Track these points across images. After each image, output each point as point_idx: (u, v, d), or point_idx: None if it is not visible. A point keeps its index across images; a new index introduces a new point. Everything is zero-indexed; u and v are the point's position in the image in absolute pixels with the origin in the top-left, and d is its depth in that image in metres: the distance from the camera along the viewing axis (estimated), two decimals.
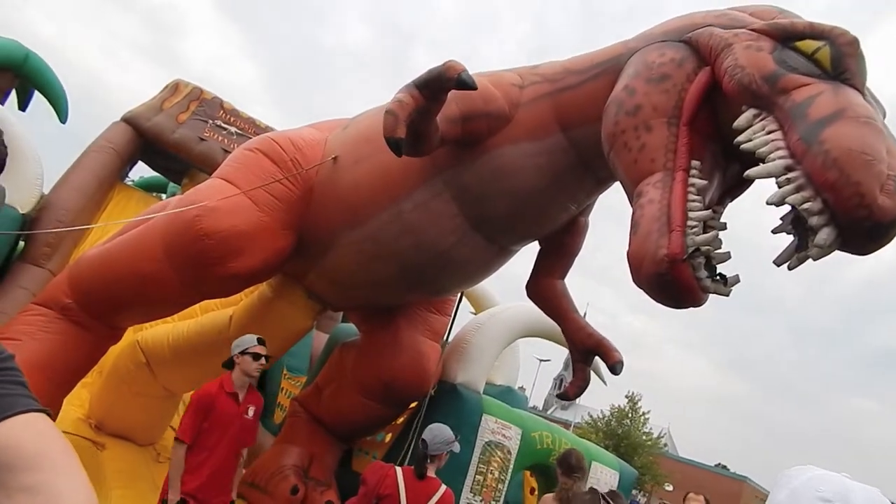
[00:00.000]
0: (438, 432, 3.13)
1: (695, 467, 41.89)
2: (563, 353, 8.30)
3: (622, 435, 30.46)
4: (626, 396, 32.08)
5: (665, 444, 39.32)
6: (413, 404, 4.77)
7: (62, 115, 6.90)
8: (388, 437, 5.20)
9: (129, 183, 8.05)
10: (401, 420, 5.02)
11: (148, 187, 9.10)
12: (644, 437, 31.25)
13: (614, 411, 31.97)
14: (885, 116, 2.10)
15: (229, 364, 3.44)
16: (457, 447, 3.18)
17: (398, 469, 3.05)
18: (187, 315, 4.53)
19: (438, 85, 2.45)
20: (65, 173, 5.98)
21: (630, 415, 31.31)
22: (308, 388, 5.10)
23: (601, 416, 32.70)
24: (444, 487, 3.10)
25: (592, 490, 3.75)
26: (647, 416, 31.84)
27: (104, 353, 3.84)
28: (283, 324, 4.22)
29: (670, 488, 32.63)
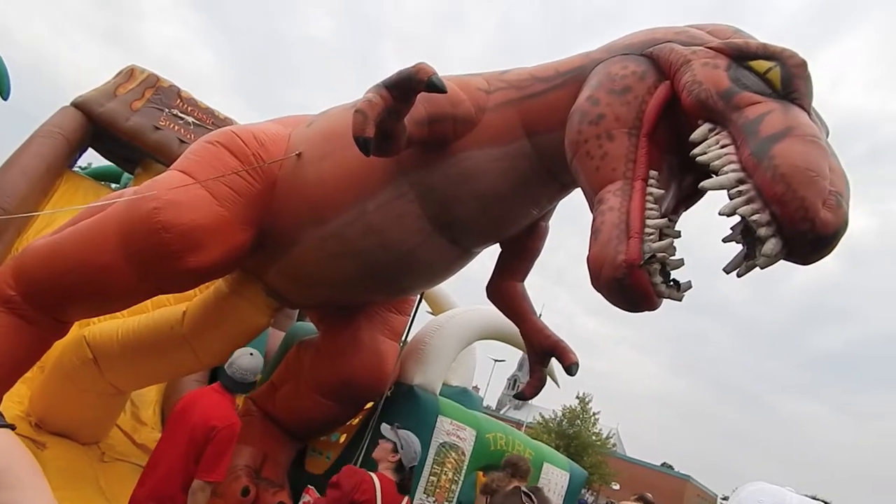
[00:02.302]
0: (418, 448, 3.19)
1: (641, 466, 43.09)
2: (517, 353, 8.41)
3: (573, 435, 31.08)
4: (577, 397, 32.77)
5: (614, 444, 40.31)
6: (369, 405, 4.76)
7: (4, 91, 6.56)
8: (343, 438, 5.17)
9: (79, 171, 7.74)
10: (356, 421, 5.00)
11: (99, 176, 8.75)
12: (594, 438, 31.97)
13: (566, 412, 32.58)
14: (828, 135, 2.24)
15: (248, 388, 3.48)
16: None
17: (374, 475, 3.03)
18: (138, 310, 4.39)
19: (408, 86, 2.47)
20: (9, 158, 5.72)
21: (581, 415, 31.97)
22: (263, 387, 5.02)
23: (553, 417, 33.27)
24: (406, 496, 3.13)
25: (515, 487, 3.92)
26: (597, 417, 32.59)
27: (49, 348, 3.69)
28: (239, 321, 4.14)
29: (617, 487, 33.47)
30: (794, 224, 1.87)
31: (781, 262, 1.99)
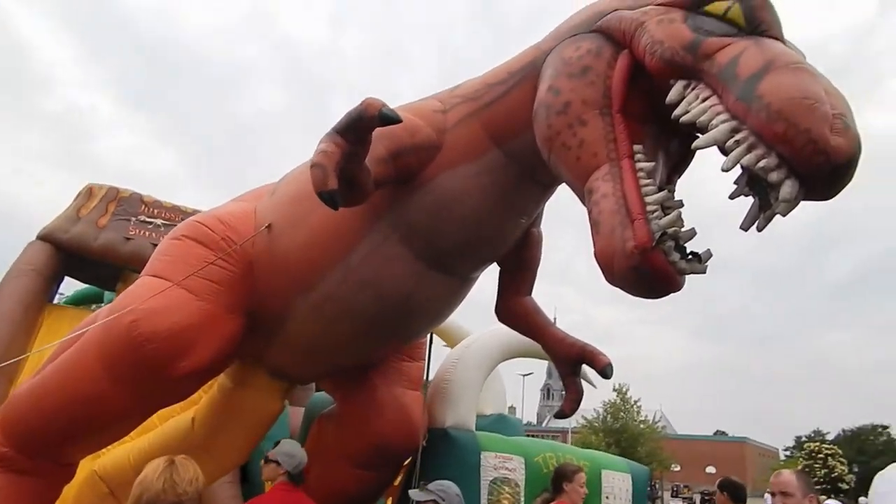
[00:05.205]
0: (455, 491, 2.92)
1: (695, 440, 42.28)
2: (543, 363, 8.20)
3: (620, 429, 30.50)
4: (615, 390, 32.21)
5: (663, 426, 39.63)
6: (407, 461, 4.50)
7: None
8: (389, 501, 4.90)
9: (59, 301, 7.56)
10: (397, 481, 4.74)
11: (82, 301, 8.56)
12: (642, 426, 31.37)
13: (607, 407, 32.01)
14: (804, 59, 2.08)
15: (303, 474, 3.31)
16: None
17: None
18: (145, 429, 4.15)
19: (361, 126, 2.31)
20: None
21: (623, 407, 31.42)
22: None
23: (596, 416, 32.66)
24: None
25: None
26: (639, 405, 32.04)
27: (58, 496, 3.44)
28: (252, 412, 3.91)
29: (678, 468, 32.77)
30: (808, 159, 1.69)
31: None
